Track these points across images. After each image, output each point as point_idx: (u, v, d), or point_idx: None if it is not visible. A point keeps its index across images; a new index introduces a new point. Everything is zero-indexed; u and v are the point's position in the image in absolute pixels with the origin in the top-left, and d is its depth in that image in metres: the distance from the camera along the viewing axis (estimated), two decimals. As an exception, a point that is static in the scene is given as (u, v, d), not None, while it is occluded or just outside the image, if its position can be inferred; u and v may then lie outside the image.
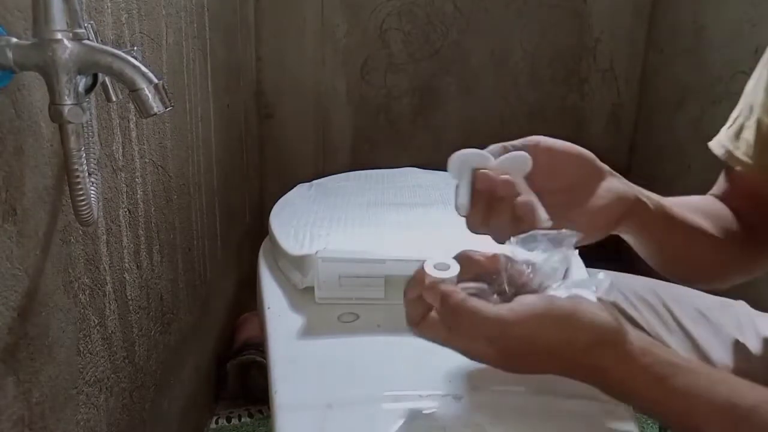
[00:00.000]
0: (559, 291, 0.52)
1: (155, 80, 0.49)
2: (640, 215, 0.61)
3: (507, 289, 0.53)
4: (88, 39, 0.50)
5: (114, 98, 0.65)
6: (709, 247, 0.68)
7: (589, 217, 0.58)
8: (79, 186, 0.55)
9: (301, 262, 0.75)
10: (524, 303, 0.50)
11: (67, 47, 0.48)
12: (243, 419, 1.40)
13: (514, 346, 0.50)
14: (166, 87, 0.51)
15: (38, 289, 0.61)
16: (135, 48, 0.73)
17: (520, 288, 0.53)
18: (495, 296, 0.53)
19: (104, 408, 0.78)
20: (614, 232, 0.62)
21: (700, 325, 0.78)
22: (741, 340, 0.76)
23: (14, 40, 0.49)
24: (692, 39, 1.67)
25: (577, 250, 0.55)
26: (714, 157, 0.75)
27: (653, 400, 0.50)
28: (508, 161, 0.57)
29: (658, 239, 0.66)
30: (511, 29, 1.89)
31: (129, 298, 0.85)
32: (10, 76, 0.51)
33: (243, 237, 1.64)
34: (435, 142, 1.95)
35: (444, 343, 0.53)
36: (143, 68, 0.49)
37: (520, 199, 0.56)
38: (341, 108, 1.92)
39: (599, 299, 0.52)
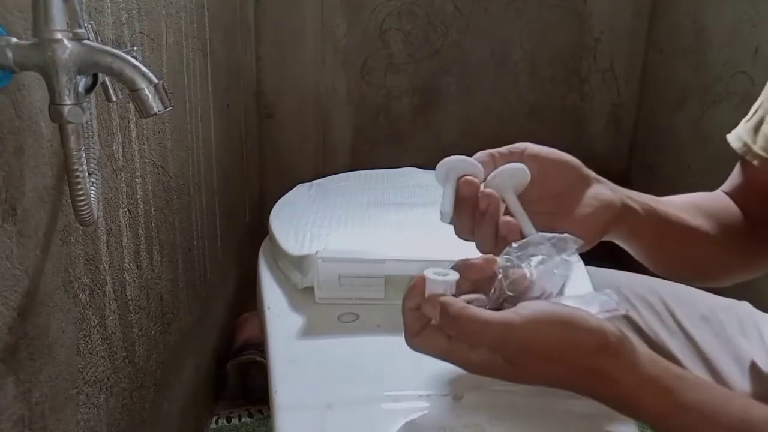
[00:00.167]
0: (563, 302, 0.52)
1: (155, 80, 0.49)
2: (629, 221, 0.60)
3: (507, 294, 0.52)
4: (88, 39, 0.50)
5: (114, 98, 0.65)
6: (706, 246, 0.67)
7: (576, 226, 0.57)
8: (79, 186, 0.55)
9: (301, 262, 0.75)
10: (528, 307, 0.49)
11: (67, 47, 0.48)
12: (243, 419, 1.40)
13: (518, 350, 0.49)
14: (166, 87, 0.51)
15: (38, 289, 0.61)
16: (135, 48, 0.73)
17: (521, 295, 0.52)
18: (496, 304, 0.53)
19: (104, 408, 0.78)
20: (604, 239, 0.61)
21: (702, 327, 0.77)
22: (743, 341, 0.75)
23: (14, 40, 0.49)
24: (692, 39, 1.67)
25: (578, 256, 0.54)
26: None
27: (660, 413, 0.49)
28: (505, 174, 0.57)
29: (650, 243, 0.65)
30: (511, 29, 1.89)
31: (129, 298, 0.85)
32: (10, 76, 0.51)
33: (243, 237, 1.64)
34: (435, 142, 1.96)
35: (444, 355, 0.51)
36: (143, 68, 0.49)
37: (504, 219, 0.55)
38: (341, 108, 1.92)
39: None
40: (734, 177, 0.74)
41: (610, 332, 0.49)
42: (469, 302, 0.51)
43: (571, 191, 0.59)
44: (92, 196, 0.58)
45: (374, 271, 0.73)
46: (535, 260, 0.53)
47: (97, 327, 0.75)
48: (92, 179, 0.60)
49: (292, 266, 0.78)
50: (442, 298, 0.50)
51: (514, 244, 0.53)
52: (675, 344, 0.75)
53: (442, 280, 0.52)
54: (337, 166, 1.90)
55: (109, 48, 0.51)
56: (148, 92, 0.49)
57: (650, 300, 0.80)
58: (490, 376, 0.51)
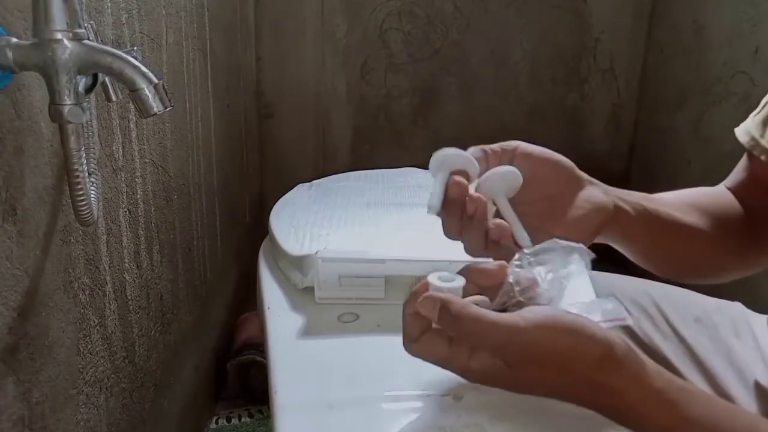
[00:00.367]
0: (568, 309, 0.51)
1: (155, 80, 0.49)
2: (621, 223, 0.60)
3: (518, 299, 0.51)
4: (88, 39, 0.50)
5: (114, 98, 0.65)
6: (700, 244, 0.66)
7: (567, 228, 0.57)
8: (79, 186, 0.55)
9: (301, 262, 0.75)
10: (534, 311, 0.48)
11: (67, 47, 0.48)
12: (243, 419, 1.40)
13: (520, 354, 0.47)
14: (166, 87, 0.51)
15: (38, 289, 0.61)
16: (135, 48, 0.73)
17: (528, 300, 0.51)
18: (499, 308, 0.52)
19: (104, 408, 0.78)
20: (596, 241, 0.61)
21: (695, 329, 0.77)
22: (737, 343, 0.75)
23: (14, 40, 0.49)
24: (692, 39, 1.68)
25: (589, 266, 0.53)
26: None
27: (664, 427, 0.47)
28: (497, 177, 0.56)
29: (642, 244, 0.64)
30: (511, 29, 1.89)
31: (129, 298, 0.85)
32: (10, 76, 0.51)
33: (243, 237, 1.64)
34: (435, 142, 1.94)
35: (443, 362, 0.50)
36: (143, 68, 0.49)
37: (494, 221, 0.54)
38: (341, 108, 1.92)
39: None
40: (738, 171, 0.72)
41: (616, 343, 0.48)
42: (474, 301, 0.50)
43: (563, 193, 0.58)
44: (92, 196, 0.58)
45: (374, 271, 0.73)
46: (544, 269, 0.51)
47: (97, 327, 0.75)
48: (92, 179, 0.60)
49: (292, 266, 0.78)
50: (443, 296, 0.49)
51: (526, 251, 0.52)
52: (669, 348, 0.75)
53: (447, 287, 0.51)
54: (337, 166, 1.90)
55: (109, 48, 0.51)
56: (148, 92, 0.49)
57: (643, 303, 0.79)
58: (490, 385, 0.50)
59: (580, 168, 0.61)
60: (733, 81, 1.48)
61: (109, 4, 0.75)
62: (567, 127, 1.98)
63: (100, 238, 0.75)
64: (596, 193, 0.59)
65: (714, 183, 0.76)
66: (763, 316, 0.79)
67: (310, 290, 0.74)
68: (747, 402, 0.69)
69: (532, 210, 0.57)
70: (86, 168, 0.56)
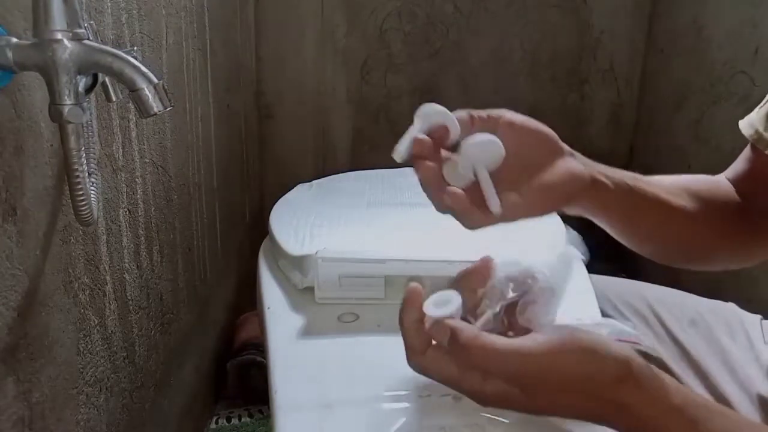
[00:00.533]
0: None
1: (155, 80, 0.49)
2: (598, 195, 0.59)
3: (511, 296, 0.51)
4: (88, 39, 0.50)
5: (114, 98, 0.65)
6: (687, 226, 0.66)
7: (538, 192, 0.56)
8: (79, 186, 0.55)
9: (301, 262, 0.75)
10: (546, 333, 0.48)
11: (67, 47, 0.48)
12: (243, 419, 1.40)
13: (536, 378, 0.46)
14: (166, 87, 0.51)
15: (38, 289, 0.61)
16: (135, 48, 0.73)
17: (525, 298, 0.51)
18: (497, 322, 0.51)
19: (104, 408, 0.78)
20: (572, 213, 0.60)
21: (690, 332, 0.76)
22: (731, 344, 0.75)
23: (14, 40, 0.49)
24: (692, 39, 1.67)
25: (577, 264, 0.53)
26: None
27: None
28: (477, 147, 0.55)
29: (621, 219, 0.63)
30: (511, 29, 1.89)
31: (129, 298, 0.85)
32: (10, 76, 0.51)
33: (243, 237, 1.64)
34: (435, 142, 1.95)
35: (453, 382, 0.49)
36: (143, 68, 0.49)
37: (450, 189, 0.53)
38: (341, 108, 1.92)
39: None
40: (740, 164, 0.72)
41: (634, 360, 0.47)
42: (485, 328, 0.49)
43: (541, 160, 0.57)
44: (92, 196, 0.58)
45: (374, 271, 0.73)
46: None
47: (97, 327, 0.75)
48: (92, 179, 0.60)
49: (292, 266, 0.78)
50: (452, 324, 0.48)
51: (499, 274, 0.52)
52: (664, 350, 0.74)
53: (441, 314, 0.49)
54: (337, 166, 1.90)
55: (109, 48, 0.51)
56: (148, 92, 0.49)
57: (637, 306, 0.79)
58: (504, 408, 0.48)
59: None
60: (733, 81, 1.48)
61: (109, 4, 0.75)
62: (567, 127, 1.97)
63: (100, 238, 0.75)
64: (574, 163, 0.58)
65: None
66: (757, 317, 0.80)
67: (310, 290, 0.74)
68: (742, 402, 0.69)
69: (507, 176, 0.56)
70: (86, 168, 0.56)
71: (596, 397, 0.47)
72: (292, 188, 1.01)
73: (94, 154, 0.62)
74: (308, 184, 1.03)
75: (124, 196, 0.83)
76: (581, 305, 0.73)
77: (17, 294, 0.57)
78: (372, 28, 1.85)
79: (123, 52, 0.50)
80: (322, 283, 0.72)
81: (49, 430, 0.64)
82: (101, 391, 0.77)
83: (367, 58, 1.88)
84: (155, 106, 0.50)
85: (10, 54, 0.48)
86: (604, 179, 0.59)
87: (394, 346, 0.59)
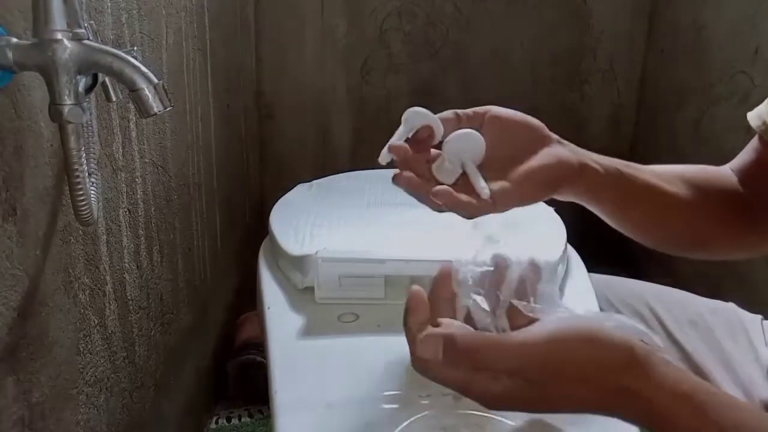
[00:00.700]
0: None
1: (155, 80, 0.49)
2: (587, 181, 0.59)
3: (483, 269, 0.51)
4: (88, 39, 0.50)
5: (114, 98, 0.65)
6: (680, 213, 0.66)
7: (525, 178, 0.56)
8: (79, 186, 0.55)
9: (301, 262, 0.75)
10: (546, 323, 0.47)
11: (67, 47, 0.48)
12: (243, 419, 1.40)
13: (538, 369, 0.46)
14: (166, 87, 0.51)
15: (38, 289, 0.61)
16: (135, 48, 0.73)
17: (523, 289, 0.51)
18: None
19: (104, 408, 0.78)
20: (564, 198, 0.61)
21: (690, 332, 0.76)
22: (732, 345, 0.75)
23: (14, 40, 0.49)
24: (692, 39, 1.67)
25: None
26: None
27: (694, 430, 0.46)
28: (459, 141, 0.56)
29: (611, 204, 0.64)
30: (511, 29, 1.89)
31: (129, 298, 0.85)
32: (10, 76, 0.51)
33: (243, 237, 1.64)
34: (435, 142, 1.95)
35: (463, 386, 0.47)
36: (143, 68, 0.49)
37: (435, 190, 0.54)
38: (341, 108, 1.92)
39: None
40: (745, 154, 0.72)
41: (636, 345, 0.46)
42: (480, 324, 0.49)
43: (529, 149, 0.58)
44: (92, 196, 0.58)
45: (374, 271, 0.73)
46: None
47: (97, 327, 0.75)
48: (92, 179, 0.60)
49: (292, 266, 0.78)
50: (444, 333, 0.47)
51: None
52: None
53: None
54: (337, 166, 1.90)
55: (109, 48, 0.51)
56: (148, 92, 0.49)
57: (637, 306, 0.79)
58: (513, 410, 0.48)
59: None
60: (733, 81, 1.48)
61: (109, 4, 0.75)
62: (567, 127, 1.96)
63: (100, 238, 0.75)
64: (562, 149, 0.59)
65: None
66: (757, 317, 0.80)
67: (310, 290, 0.74)
68: None
69: (497, 166, 0.57)
70: (86, 168, 0.56)
71: (601, 385, 0.46)
72: (292, 188, 1.01)
73: (94, 154, 0.62)
74: (308, 184, 1.03)
75: (124, 196, 0.83)
76: (581, 305, 0.73)
77: (17, 294, 0.57)
78: (372, 28, 1.85)
79: (123, 52, 0.50)
80: (322, 283, 0.72)
81: (49, 430, 0.64)
82: (101, 391, 0.77)
83: (367, 58, 1.88)
84: (155, 106, 0.50)
85: (10, 54, 0.48)
86: (593, 164, 0.60)
87: (394, 346, 0.59)
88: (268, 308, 0.74)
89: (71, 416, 0.69)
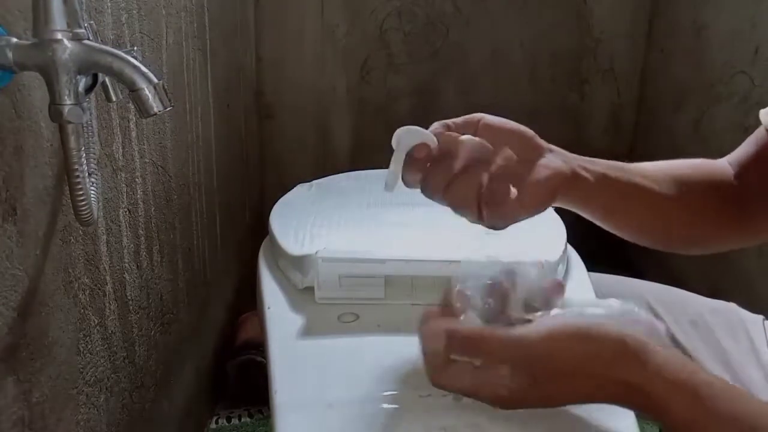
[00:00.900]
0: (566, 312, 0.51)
1: (155, 80, 0.49)
2: (579, 189, 0.61)
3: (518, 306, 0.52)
4: (88, 39, 0.50)
5: (114, 98, 0.65)
6: (669, 211, 0.67)
7: (524, 191, 0.58)
8: (79, 186, 0.55)
9: (301, 262, 0.75)
10: (541, 322, 0.49)
11: (67, 47, 0.48)
12: (243, 419, 1.40)
13: (539, 365, 0.48)
14: (166, 87, 0.51)
15: (38, 289, 0.61)
16: (135, 48, 0.73)
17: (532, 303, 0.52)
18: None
19: (104, 408, 0.78)
20: (558, 206, 0.62)
21: (691, 333, 0.76)
22: (733, 345, 0.75)
23: (14, 40, 0.49)
24: (692, 39, 1.67)
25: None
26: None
27: (690, 420, 0.47)
28: (402, 133, 0.57)
29: (601, 209, 0.65)
30: (511, 29, 1.89)
31: (129, 298, 0.85)
32: (10, 76, 0.51)
33: (243, 237, 1.64)
34: (435, 142, 1.95)
35: (472, 388, 0.50)
36: (143, 68, 0.49)
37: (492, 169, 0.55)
38: (341, 108, 1.92)
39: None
40: (746, 148, 0.72)
41: (629, 337, 0.48)
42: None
43: (523, 160, 0.59)
44: (92, 196, 0.58)
45: (374, 271, 0.73)
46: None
47: (97, 327, 0.75)
48: (92, 179, 0.60)
49: (292, 266, 0.78)
50: (447, 325, 0.49)
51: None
52: None
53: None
54: (337, 166, 1.90)
55: (109, 48, 0.51)
56: (148, 92, 0.49)
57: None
58: (519, 407, 0.50)
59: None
60: (733, 81, 1.48)
61: (109, 4, 0.75)
62: (567, 127, 1.98)
63: (100, 238, 0.75)
64: (554, 159, 0.60)
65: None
66: (759, 317, 0.80)
67: (310, 290, 0.74)
68: None
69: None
70: (86, 168, 0.56)
71: (600, 378, 0.47)
72: (292, 188, 1.01)
73: (94, 154, 0.62)
74: (308, 184, 1.03)
75: (124, 196, 0.83)
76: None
77: (17, 294, 0.57)
78: (372, 28, 1.85)
79: (123, 52, 0.50)
80: (322, 283, 0.72)
81: (49, 430, 0.64)
82: (101, 391, 0.77)
83: (367, 58, 1.88)
84: (155, 106, 0.50)
85: (10, 54, 0.48)
86: (583, 173, 0.61)
87: (394, 346, 0.59)
88: (268, 308, 0.74)
89: (71, 416, 0.69)
